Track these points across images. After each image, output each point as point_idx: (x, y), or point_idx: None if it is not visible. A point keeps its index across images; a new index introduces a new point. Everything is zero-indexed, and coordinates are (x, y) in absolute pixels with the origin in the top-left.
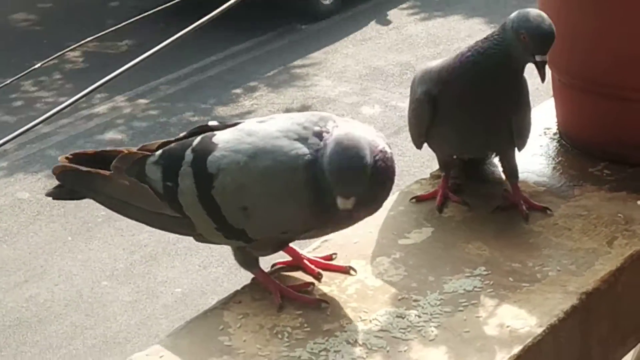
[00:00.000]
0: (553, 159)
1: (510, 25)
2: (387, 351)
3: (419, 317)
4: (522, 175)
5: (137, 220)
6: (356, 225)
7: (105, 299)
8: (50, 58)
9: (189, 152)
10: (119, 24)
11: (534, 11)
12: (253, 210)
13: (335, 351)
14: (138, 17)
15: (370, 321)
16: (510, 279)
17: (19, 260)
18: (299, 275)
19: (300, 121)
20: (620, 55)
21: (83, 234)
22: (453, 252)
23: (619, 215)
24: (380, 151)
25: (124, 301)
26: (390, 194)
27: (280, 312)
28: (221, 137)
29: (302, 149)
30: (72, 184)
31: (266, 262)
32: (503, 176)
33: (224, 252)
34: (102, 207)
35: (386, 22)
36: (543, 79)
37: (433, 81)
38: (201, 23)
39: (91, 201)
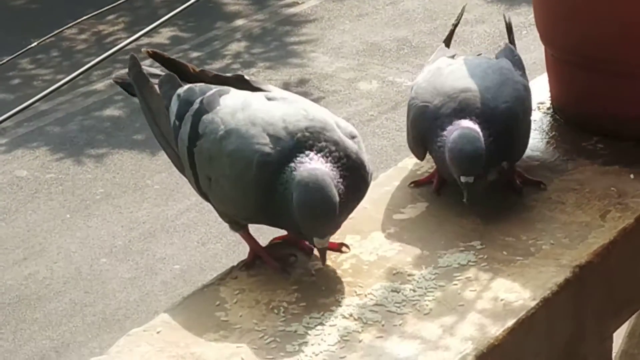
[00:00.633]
0: (547, 133)
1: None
2: (382, 325)
3: (414, 291)
4: None
5: (157, 140)
6: None
7: (104, 276)
8: (48, 36)
9: (198, 100)
10: (117, 1)
11: (461, 131)
12: (215, 183)
13: (330, 325)
14: None
15: (366, 295)
16: (504, 252)
17: (18, 238)
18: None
19: (295, 119)
20: (613, 30)
21: (81, 212)
22: (447, 226)
23: (612, 189)
24: (342, 179)
25: (123, 278)
26: (386, 169)
27: (245, 270)
28: (227, 99)
29: (264, 148)
30: (134, 77)
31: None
32: None
33: (222, 229)
34: (101, 184)
35: None
36: (467, 200)
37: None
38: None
39: (89, 179)
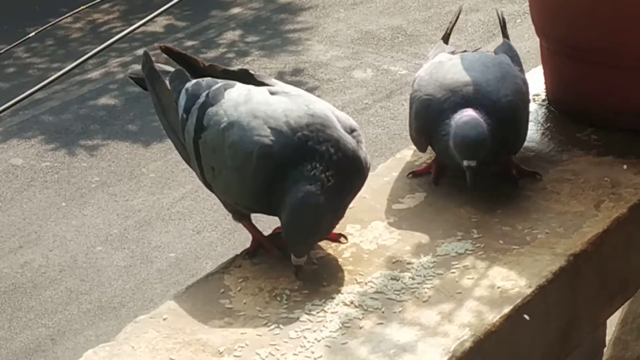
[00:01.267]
0: (542, 124)
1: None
2: (382, 312)
3: (413, 279)
4: None
5: (167, 132)
6: None
7: (100, 264)
8: (45, 26)
9: (204, 93)
10: None
11: (465, 119)
12: (218, 173)
13: (332, 312)
14: None
15: (366, 283)
16: (501, 241)
17: (13, 227)
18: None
19: (297, 114)
20: (608, 22)
21: (77, 200)
22: (445, 216)
23: (606, 179)
24: (337, 184)
25: (119, 266)
26: (380, 157)
27: (249, 258)
28: (231, 93)
29: (264, 140)
30: (147, 73)
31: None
32: None
33: (217, 217)
34: (96, 173)
35: None
36: (470, 184)
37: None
38: None
39: (84, 167)
